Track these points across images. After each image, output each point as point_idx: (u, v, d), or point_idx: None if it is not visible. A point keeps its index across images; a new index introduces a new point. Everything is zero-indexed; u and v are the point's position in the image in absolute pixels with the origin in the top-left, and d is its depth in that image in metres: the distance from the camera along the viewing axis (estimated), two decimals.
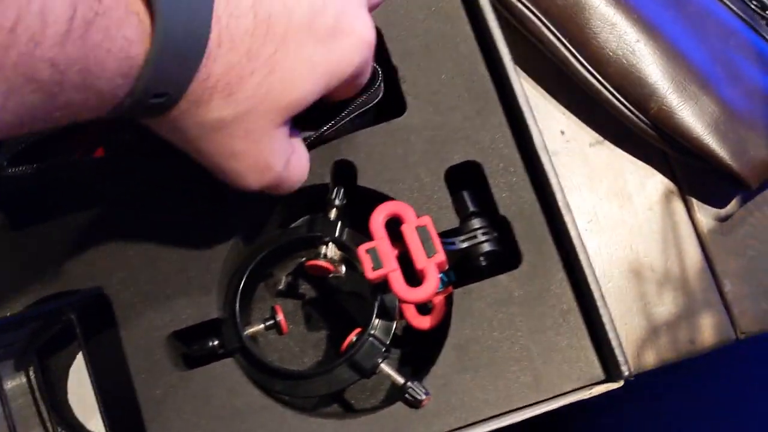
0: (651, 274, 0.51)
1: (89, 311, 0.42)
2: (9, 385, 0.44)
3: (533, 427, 0.41)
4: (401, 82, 0.44)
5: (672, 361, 0.49)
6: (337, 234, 0.44)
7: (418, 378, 0.40)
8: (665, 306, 0.50)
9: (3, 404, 0.40)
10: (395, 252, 0.40)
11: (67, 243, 0.43)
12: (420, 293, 0.39)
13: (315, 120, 0.41)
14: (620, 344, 0.38)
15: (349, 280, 0.47)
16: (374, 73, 0.41)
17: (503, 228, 0.43)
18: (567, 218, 0.40)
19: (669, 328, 0.49)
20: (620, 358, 0.38)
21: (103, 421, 0.41)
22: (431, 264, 0.39)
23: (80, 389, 0.45)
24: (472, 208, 0.43)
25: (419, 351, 0.45)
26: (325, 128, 0.41)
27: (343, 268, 0.45)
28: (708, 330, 0.50)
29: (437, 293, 0.42)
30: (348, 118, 0.41)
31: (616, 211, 0.53)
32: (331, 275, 0.45)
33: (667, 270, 0.51)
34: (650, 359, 0.48)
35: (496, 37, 0.43)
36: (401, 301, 0.40)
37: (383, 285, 0.42)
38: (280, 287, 0.48)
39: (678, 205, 0.53)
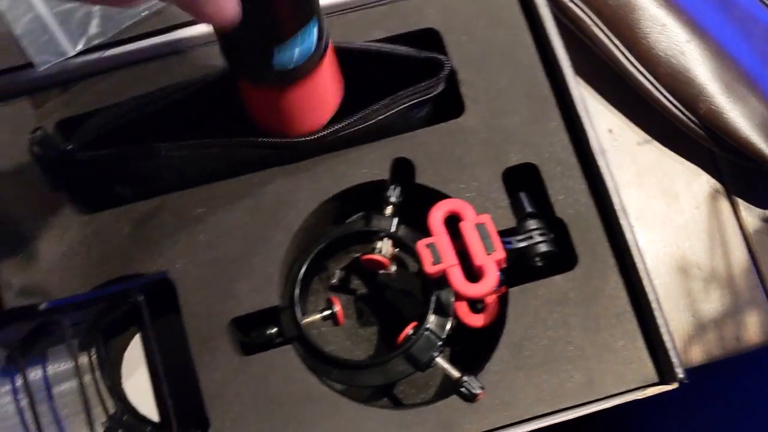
0: (697, 271, 0.52)
1: (153, 295, 0.43)
2: (71, 364, 0.45)
3: (580, 426, 0.42)
4: (461, 85, 0.45)
5: (718, 358, 0.49)
6: (393, 230, 0.45)
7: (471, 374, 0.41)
8: (712, 303, 0.51)
9: (78, 379, 0.41)
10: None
11: (134, 228, 0.44)
12: (479, 289, 0.40)
13: (370, 99, 0.41)
14: (675, 347, 0.39)
15: (399, 278, 0.49)
16: (439, 64, 0.42)
17: (559, 230, 0.43)
18: (623, 221, 0.41)
19: (715, 326, 0.50)
20: (675, 360, 0.39)
21: (166, 404, 0.42)
22: (490, 261, 0.40)
23: (131, 374, 0.47)
24: (528, 209, 0.44)
25: (469, 349, 0.46)
26: (380, 105, 0.41)
27: (394, 267, 0.46)
28: (754, 328, 0.50)
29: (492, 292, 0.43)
30: (408, 102, 0.42)
31: (664, 209, 0.53)
32: (382, 272, 0.47)
33: (713, 268, 0.52)
34: (697, 355, 0.49)
35: (555, 46, 0.44)
36: (459, 296, 0.40)
37: (439, 281, 0.43)
38: (333, 281, 0.49)
39: (724, 205, 0.53)
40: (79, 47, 0.43)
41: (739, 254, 0.52)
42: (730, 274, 0.52)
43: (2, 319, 0.41)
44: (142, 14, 0.44)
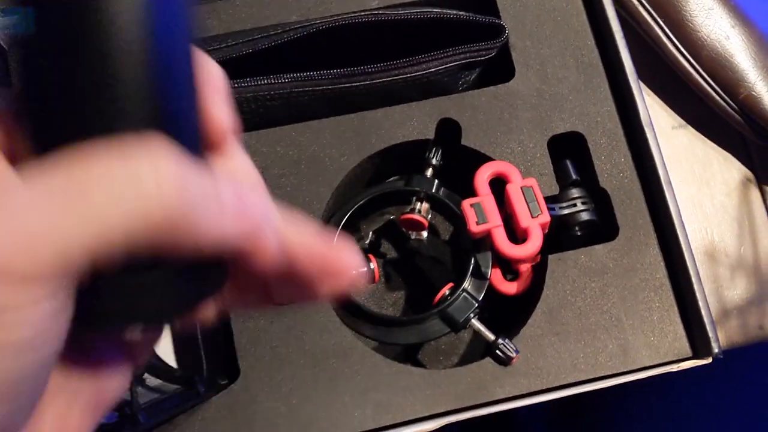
0: (725, 258, 0.52)
1: None
2: None
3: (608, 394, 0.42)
4: (511, 49, 0.45)
5: (740, 345, 0.50)
6: (433, 191, 0.45)
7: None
8: (737, 290, 0.51)
9: None
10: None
11: None
12: (523, 250, 0.40)
13: (417, 50, 0.41)
14: (712, 321, 0.40)
15: (430, 244, 0.49)
16: (499, 29, 0.42)
17: (602, 200, 0.43)
18: (668, 195, 0.41)
19: (739, 313, 0.51)
20: (711, 335, 0.39)
21: (196, 349, 0.42)
22: (535, 223, 0.40)
23: None
24: (573, 177, 0.44)
25: (501, 316, 0.46)
26: (434, 54, 0.42)
27: (425, 233, 0.46)
28: None
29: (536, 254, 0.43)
30: (461, 60, 0.42)
31: (694, 194, 0.53)
32: (414, 236, 0.46)
33: (740, 256, 0.52)
34: (719, 341, 0.50)
35: (609, 15, 0.44)
36: (503, 256, 0.40)
37: (478, 243, 0.43)
38: (366, 242, 0.49)
39: (755, 193, 0.54)
40: None
41: (766, 243, 0.52)
42: (757, 262, 0.52)
43: None
44: None
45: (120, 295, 0.19)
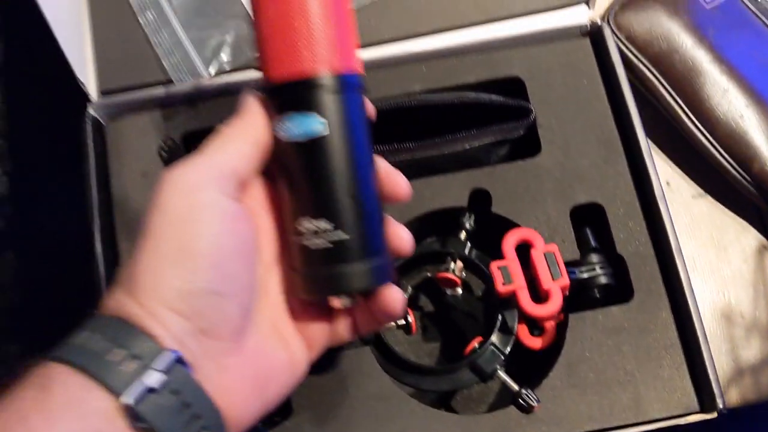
0: (740, 320, 0.56)
1: None
2: None
3: None
4: (538, 128, 0.51)
5: (754, 402, 0.53)
6: (466, 252, 0.50)
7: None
8: (752, 350, 0.54)
9: None
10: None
11: None
12: (545, 309, 0.44)
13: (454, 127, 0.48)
14: (717, 379, 0.44)
15: (464, 300, 0.53)
16: (527, 110, 0.47)
17: (619, 265, 0.48)
18: (678, 262, 0.46)
19: (753, 371, 0.54)
20: (716, 391, 0.43)
21: None
22: (556, 286, 0.45)
23: None
24: (592, 244, 0.49)
25: (526, 368, 0.51)
26: (469, 133, 0.48)
27: (460, 290, 0.51)
28: None
29: (551, 318, 0.47)
30: (493, 138, 0.49)
31: (713, 259, 0.57)
32: (450, 292, 0.51)
33: (756, 318, 0.56)
34: (734, 398, 0.53)
35: (626, 98, 0.49)
36: (527, 315, 0.45)
37: (506, 301, 0.48)
38: (406, 296, 0.54)
39: None
40: (212, 70, 0.50)
41: None
42: None
43: None
44: None
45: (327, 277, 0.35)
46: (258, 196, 0.37)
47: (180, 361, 0.31)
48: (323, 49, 0.34)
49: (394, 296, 0.37)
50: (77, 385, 0.29)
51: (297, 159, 0.35)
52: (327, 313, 0.38)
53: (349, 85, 0.34)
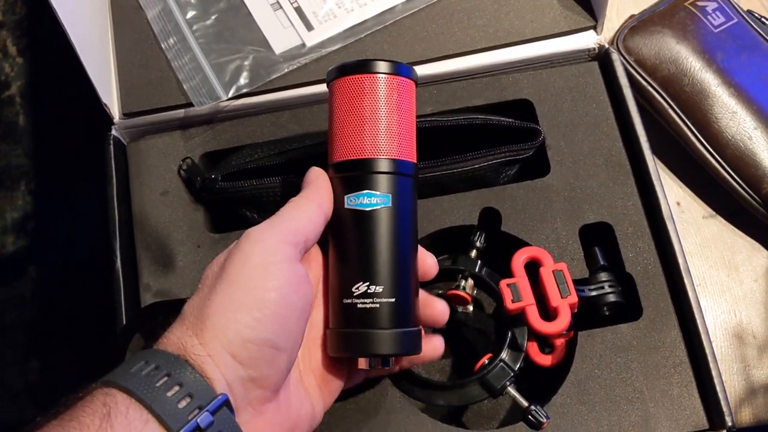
0: (752, 339, 0.56)
1: None
2: None
3: None
4: (547, 149, 0.52)
5: (767, 422, 0.53)
6: (476, 270, 0.51)
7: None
8: (764, 370, 0.55)
9: None
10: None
11: None
12: (553, 327, 0.45)
13: (465, 148, 0.50)
14: (726, 397, 0.44)
15: (475, 317, 0.54)
16: (536, 132, 0.49)
17: (627, 283, 0.49)
18: (687, 281, 0.47)
19: (766, 391, 0.54)
20: (725, 409, 0.43)
21: None
22: (564, 303, 0.45)
23: None
24: (601, 263, 0.50)
25: (536, 385, 0.51)
26: (479, 153, 0.49)
27: (471, 307, 0.52)
28: None
29: (561, 336, 0.48)
30: (502, 158, 0.50)
31: (724, 279, 0.58)
32: (460, 310, 0.52)
33: (767, 337, 0.56)
34: (746, 417, 0.53)
35: (635, 120, 0.50)
36: (535, 332, 0.46)
37: (515, 318, 0.48)
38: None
39: None
40: (231, 93, 0.52)
41: None
42: None
43: (141, 314, 0.49)
44: (285, 70, 0.52)
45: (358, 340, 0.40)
46: (309, 261, 0.42)
47: (227, 404, 0.33)
48: (396, 141, 0.41)
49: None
50: (137, 417, 0.32)
51: (360, 227, 0.40)
52: (347, 370, 0.43)
53: (409, 170, 0.41)
